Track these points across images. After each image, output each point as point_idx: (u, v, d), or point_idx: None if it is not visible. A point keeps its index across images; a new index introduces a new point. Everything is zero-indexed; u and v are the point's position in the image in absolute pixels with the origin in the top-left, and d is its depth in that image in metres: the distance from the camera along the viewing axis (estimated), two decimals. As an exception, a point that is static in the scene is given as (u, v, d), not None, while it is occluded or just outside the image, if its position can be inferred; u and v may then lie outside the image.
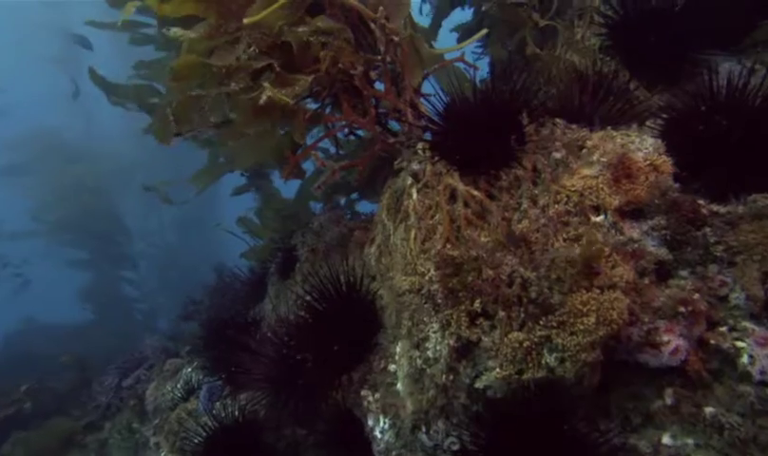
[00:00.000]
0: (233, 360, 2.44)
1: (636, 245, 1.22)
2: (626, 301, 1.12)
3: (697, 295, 1.14)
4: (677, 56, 1.78)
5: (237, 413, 2.14)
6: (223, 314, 3.40)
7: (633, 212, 1.28)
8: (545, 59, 2.10)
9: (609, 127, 1.45)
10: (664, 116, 1.44)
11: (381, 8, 1.61)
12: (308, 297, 1.79)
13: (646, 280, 1.18)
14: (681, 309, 1.13)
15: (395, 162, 1.71)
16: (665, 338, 1.13)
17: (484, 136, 1.48)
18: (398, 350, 1.50)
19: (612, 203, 1.27)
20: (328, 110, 2.14)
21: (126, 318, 9.52)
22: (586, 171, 1.34)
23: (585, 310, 1.14)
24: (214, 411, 2.38)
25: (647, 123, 1.50)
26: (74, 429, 3.92)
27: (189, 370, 3.08)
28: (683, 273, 1.21)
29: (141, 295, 11.01)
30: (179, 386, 2.96)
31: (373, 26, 1.65)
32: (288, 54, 1.71)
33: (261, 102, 1.64)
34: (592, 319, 1.12)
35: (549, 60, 2.09)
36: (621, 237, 1.24)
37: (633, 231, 1.25)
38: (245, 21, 1.53)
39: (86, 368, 4.97)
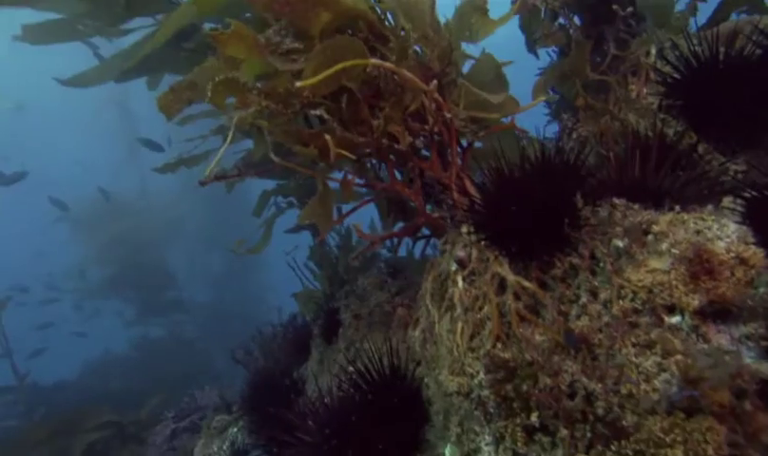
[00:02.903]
0: (278, 426, 2.40)
1: (727, 357, 1.03)
2: (724, 431, 0.94)
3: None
4: (755, 115, 1.58)
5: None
6: (270, 369, 3.40)
7: (718, 314, 1.10)
8: (598, 112, 1.96)
9: (678, 207, 1.28)
10: (746, 195, 1.26)
11: (435, 81, 1.57)
12: (351, 377, 1.71)
13: (747, 404, 0.98)
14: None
15: (440, 243, 1.62)
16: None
17: (534, 219, 1.37)
18: (447, 455, 1.37)
19: (691, 304, 1.10)
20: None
21: (183, 358, 9.90)
22: (655, 264, 1.17)
23: (668, 439, 0.96)
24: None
25: (725, 200, 1.31)
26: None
27: (236, 429, 3.07)
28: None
29: (195, 337, 11.48)
30: (225, 447, 2.95)
31: (424, 99, 1.61)
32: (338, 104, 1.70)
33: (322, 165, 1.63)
34: (679, 454, 0.94)
35: (603, 113, 1.95)
36: (705, 347, 1.06)
37: (721, 338, 1.07)
38: (298, 84, 1.52)
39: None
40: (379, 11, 1.81)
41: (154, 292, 11.32)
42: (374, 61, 1.49)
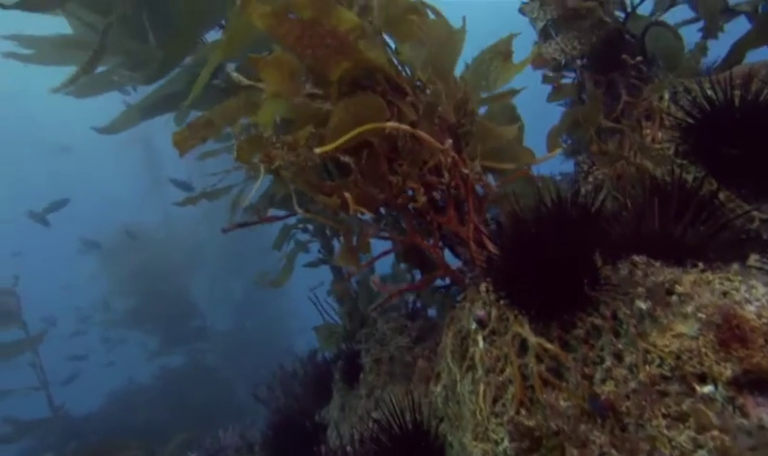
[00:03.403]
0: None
1: None
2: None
3: None
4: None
5: None
6: (291, 409, 3.39)
7: (755, 384, 1.05)
8: (613, 158, 1.95)
9: (702, 265, 1.25)
10: (774, 252, 1.22)
11: (450, 140, 1.59)
12: (373, 431, 1.69)
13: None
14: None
15: (459, 298, 1.61)
16: None
17: (552, 278, 1.35)
18: (473, 523, 1.33)
19: (723, 373, 1.06)
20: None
21: (204, 387, 9.93)
22: (682, 328, 1.14)
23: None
24: None
25: (752, 257, 1.28)
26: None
27: (258, 473, 3.04)
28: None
29: (216, 365, 11.52)
30: (249, 491, 2.92)
31: (440, 155, 1.64)
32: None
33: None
34: None
35: (617, 158, 1.93)
36: (744, 422, 1.01)
37: (761, 412, 1.02)
38: (317, 151, 1.57)
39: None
40: (396, 62, 1.86)
41: (177, 321, 11.48)
42: (391, 124, 1.53)
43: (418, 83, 1.85)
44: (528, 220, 1.68)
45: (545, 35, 2.27)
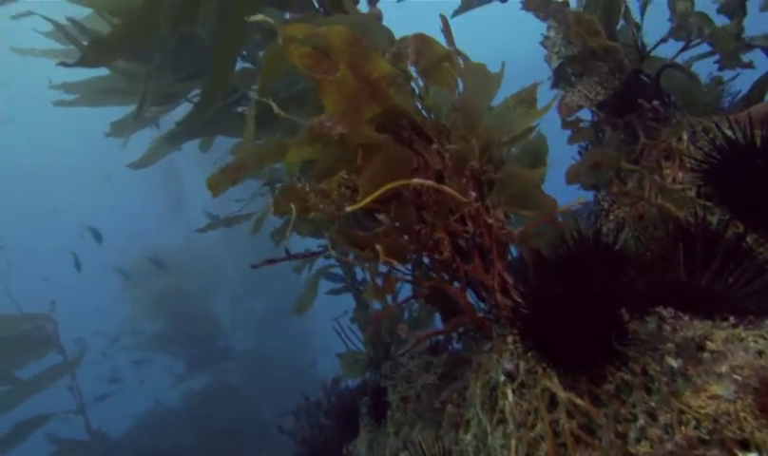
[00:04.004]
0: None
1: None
2: None
3: None
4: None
5: None
6: (317, 440, 3.40)
7: (795, 451, 1.04)
8: (634, 198, 1.95)
9: (733, 319, 1.24)
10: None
11: (474, 193, 1.63)
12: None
13: None
14: None
15: (486, 347, 1.63)
16: None
17: (579, 331, 1.36)
18: None
19: (767, 441, 1.04)
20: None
21: (230, 407, 10.00)
22: (717, 389, 1.13)
23: None
24: None
25: (784, 311, 1.26)
26: None
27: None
28: None
29: (240, 383, 11.61)
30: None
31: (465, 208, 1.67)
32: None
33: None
34: None
35: (638, 199, 1.93)
36: (784, 491, 1.00)
37: (800, 480, 1.00)
38: (348, 209, 1.61)
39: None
40: (420, 107, 1.91)
41: (202, 343, 11.65)
42: (416, 181, 1.57)
43: (442, 127, 1.89)
44: (552, 268, 1.69)
45: (560, 74, 2.30)
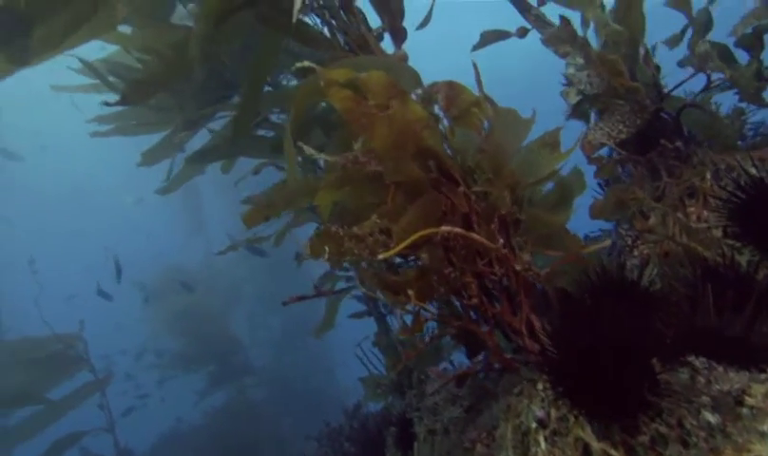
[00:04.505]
0: None
1: None
2: None
3: None
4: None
5: None
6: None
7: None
8: (658, 235, 1.94)
9: (770, 370, 1.23)
10: None
11: (501, 240, 1.66)
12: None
13: None
14: None
15: (515, 390, 1.64)
16: None
17: (609, 379, 1.36)
18: None
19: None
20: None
21: (250, 423, 10.04)
22: (759, 448, 1.13)
23: None
24: None
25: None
26: None
27: None
28: None
29: (260, 400, 11.65)
30: None
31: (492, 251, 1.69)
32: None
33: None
34: None
35: (663, 237, 1.93)
36: None
37: None
38: (380, 256, 1.66)
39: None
40: (447, 148, 1.95)
41: (222, 360, 11.77)
42: (446, 228, 1.61)
43: (467, 167, 1.93)
44: (578, 308, 1.69)
45: (578, 110, 2.32)
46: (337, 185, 1.98)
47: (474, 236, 1.60)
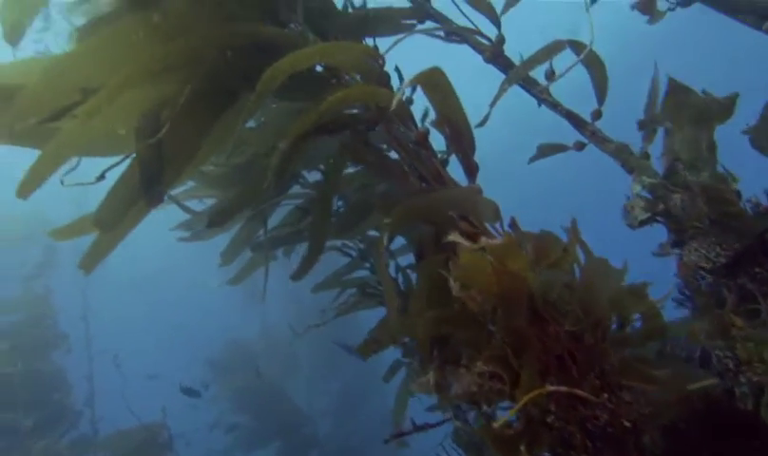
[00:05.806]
0: None
1: None
2: None
3: None
4: None
5: None
6: None
7: None
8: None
9: None
10: None
11: (606, 394, 1.70)
12: None
13: None
14: None
15: None
16: None
17: None
18: None
19: None
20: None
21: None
22: None
23: None
24: None
25: None
26: None
27: None
28: None
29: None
30: None
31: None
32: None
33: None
34: None
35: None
36: None
37: None
38: (499, 424, 1.72)
39: None
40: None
41: (289, 433, 11.74)
42: (550, 388, 1.67)
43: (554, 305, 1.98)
44: (691, 447, 1.65)
45: (644, 224, 2.36)
46: (436, 321, 2.08)
47: (581, 393, 1.66)
